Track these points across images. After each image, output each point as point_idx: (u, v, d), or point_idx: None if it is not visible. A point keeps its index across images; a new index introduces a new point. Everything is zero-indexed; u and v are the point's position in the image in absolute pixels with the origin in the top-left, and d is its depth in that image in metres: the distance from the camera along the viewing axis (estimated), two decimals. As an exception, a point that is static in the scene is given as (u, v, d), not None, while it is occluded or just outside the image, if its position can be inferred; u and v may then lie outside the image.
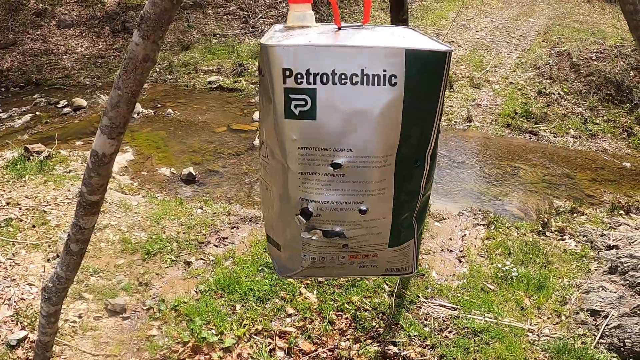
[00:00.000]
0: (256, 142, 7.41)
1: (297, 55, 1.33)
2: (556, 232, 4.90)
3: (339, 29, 1.56)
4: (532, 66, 10.75)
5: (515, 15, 15.71)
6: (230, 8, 15.57)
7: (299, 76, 1.33)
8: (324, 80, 1.33)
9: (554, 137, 7.87)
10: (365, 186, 1.46)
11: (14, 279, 3.82)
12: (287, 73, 1.33)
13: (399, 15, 3.48)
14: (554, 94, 9.25)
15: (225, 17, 15.35)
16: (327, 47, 1.33)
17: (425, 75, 1.35)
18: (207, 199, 5.57)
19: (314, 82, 1.33)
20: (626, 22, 1.67)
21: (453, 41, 12.89)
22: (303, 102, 1.36)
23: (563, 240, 4.78)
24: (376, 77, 1.31)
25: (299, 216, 1.53)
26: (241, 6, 15.61)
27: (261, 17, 15.08)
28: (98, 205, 1.69)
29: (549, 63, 10.62)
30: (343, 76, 1.32)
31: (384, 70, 1.31)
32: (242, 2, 15.75)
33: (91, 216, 1.68)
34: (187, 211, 5.09)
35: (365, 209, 1.48)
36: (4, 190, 5.21)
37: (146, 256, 4.27)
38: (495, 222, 5.02)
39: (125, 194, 5.52)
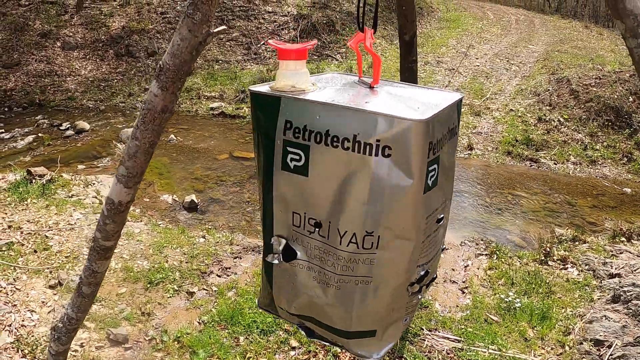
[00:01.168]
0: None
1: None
2: (558, 261, 4.91)
3: (359, 80, 1.59)
4: (532, 93, 10.82)
5: (515, 42, 15.85)
6: (233, 34, 15.66)
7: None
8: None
9: (555, 164, 7.91)
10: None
11: (14, 305, 3.81)
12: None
13: (409, 57, 3.56)
14: (554, 120, 9.32)
15: (227, 43, 15.44)
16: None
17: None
18: (210, 227, 5.58)
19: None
20: (626, 49, 1.71)
21: (453, 68, 12.99)
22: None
23: (565, 269, 4.80)
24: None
25: (415, 284, 1.50)
26: (244, 33, 15.71)
27: (264, 44, 15.16)
28: (111, 250, 1.72)
29: (549, 90, 10.69)
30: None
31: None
32: (244, 29, 15.87)
33: (104, 260, 1.70)
34: (190, 240, 5.09)
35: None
36: (6, 214, 5.21)
37: (148, 285, 4.26)
38: (498, 252, 5.03)
39: (128, 220, 5.48)
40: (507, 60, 13.74)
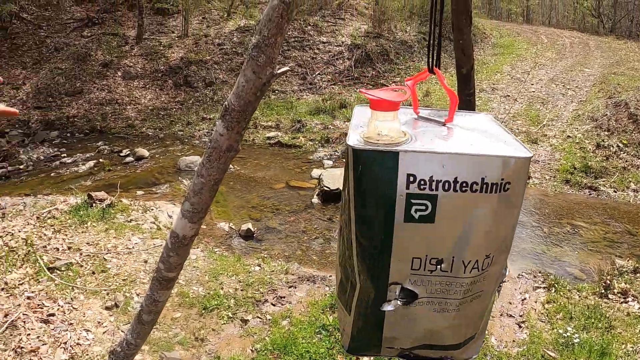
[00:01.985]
0: (315, 200, 7.50)
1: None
2: (619, 294, 4.76)
3: (418, 116, 1.64)
4: (589, 118, 10.61)
5: (570, 65, 15.59)
6: (289, 65, 15.75)
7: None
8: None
9: (614, 192, 7.70)
10: None
11: (71, 324, 3.90)
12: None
13: (466, 89, 3.59)
14: (612, 146, 9.10)
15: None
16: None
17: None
18: (265, 256, 5.63)
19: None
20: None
21: (509, 95, 12.86)
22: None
23: (626, 302, 4.65)
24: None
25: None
26: (299, 63, 15.87)
27: (319, 74, 15.31)
28: (173, 281, 1.78)
29: (607, 114, 10.47)
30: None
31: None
32: (300, 59, 16.04)
33: (166, 290, 1.77)
34: (245, 268, 5.15)
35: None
36: (66, 235, 5.37)
37: (203, 311, 4.31)
38: (556, 285, 4.91)
39: None
40: (563, 85, 13.53)
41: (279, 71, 1.43)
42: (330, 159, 9.67)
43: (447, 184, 1.34)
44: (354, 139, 1.39)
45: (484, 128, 1.62)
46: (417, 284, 1.48)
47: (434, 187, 1.34)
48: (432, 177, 1.33)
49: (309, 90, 14.62)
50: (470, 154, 1.35)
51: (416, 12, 19.33)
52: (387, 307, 1.51)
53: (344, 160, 1.47)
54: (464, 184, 1.33)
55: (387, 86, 13.73)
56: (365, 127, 1.47)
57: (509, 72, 15.06)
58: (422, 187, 1.34)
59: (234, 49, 16.76)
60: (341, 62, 15.93)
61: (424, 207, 1.36)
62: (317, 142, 10.54)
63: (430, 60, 1.62)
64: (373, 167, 1.37)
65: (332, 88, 14.68)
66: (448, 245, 1.41)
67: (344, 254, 1.58)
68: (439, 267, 1.43)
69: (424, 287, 1.48)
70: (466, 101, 3.95)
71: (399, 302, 1.49)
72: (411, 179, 1.34)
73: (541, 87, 13.49)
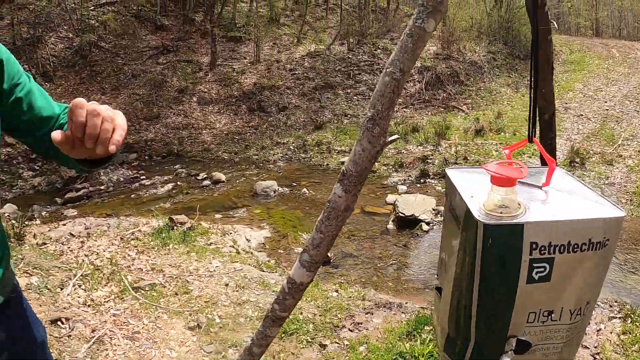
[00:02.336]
0: (390, 226, 7.59)
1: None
2: (700, 326, 4.66)
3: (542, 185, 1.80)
4: (667, 137, 10.35)
5: (644, 80, 15.11)
6: (360, 88, 15.97)
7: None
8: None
9: (696, 217, 7.51)
10: None
11: (155, 342, 4.03)
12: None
13: (549, 134, 3.73)
14: (692, 166, 8.87)
15: (355, 97, 15.72)
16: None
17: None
18: (342, 282, 5.72)
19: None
20: None
21: (582, 114, 12.64)
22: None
23: None
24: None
25: None
26: (370, 87, 15.93)
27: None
28: (284, 320, 2.01)
29: (686, 133, 10.19)
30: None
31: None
32: (370, 83, 16.10)
33: (277, 327, 2.00)
34: (323, 293, 5.22)
35: None
36: (149, 256, 5.57)
37: (283, 335, 4.38)
38: (632, 315, 4.81)
39: (263, 271, 5.71)
40: (637, 102, 13.17)
41: (389, 139, 1.63)
42: (404, 184, 9.66)
43: (562, 247, 1.54)
44: (478, 213, 1.56)
45: (570, 187, 1.80)
46: (530, 334, 1.67)
47: (551, 251, 1.54)
48: (550, 242, 1.53)
49: (380, 113, 14.69)
50: (580, 219, 1.55)
51: (484, 32, 19.24)
52: (505, 359, 1.68)
53: (458, 224, 1.68)
54: (575, 246, 1.53)
55: (458, 108, 13.54)
56: (477, 196, 1.64)
57: (580, 89, 14.79)
58: (542, 252, 1.54)
59: (305, 74, 16.99)
60: (411, 84, 15.96)
61: (542, 269, 1.56)
62: (390, 167, 10.61)
63: (530, 131, 1.84)
64: (501, 239, 1.55)
65: (404, 111, 14.72)
66: (559, 298, 1.61)
67: (457, 313, 1.75)
68: (549, 317, 1.63)
69: (535, 336, 1.67)
70: (548, 145, 4.05)
71: (512, 354, 1.66)
72: (534, 246, 1.53)
73: (614, 104, 13.20)
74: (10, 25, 16.55)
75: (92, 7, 20.32)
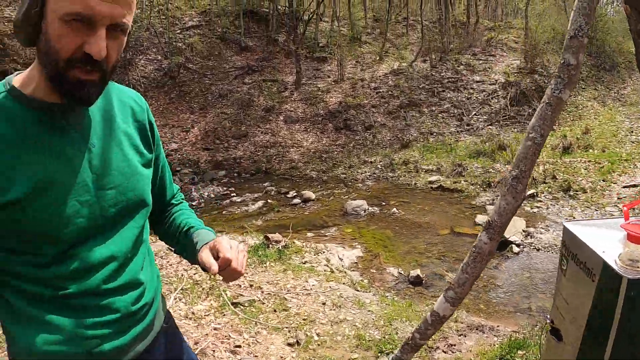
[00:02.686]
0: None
1: None
2: None
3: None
4: None
5: None
6: (445, 106, 15.90)
7: None
8: None
9: None
10: None
11: (256, 356, 4.11)
12: None
13: None
14: None
15: (440, 115, 15.65)
16: None
17: None
18: (435, 303, 5.64)
19: None
20: None
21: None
22: None
23: None
24: None
25: None
26: (454, 104, 15.87)
27: (475, 115, 15.19)
28: (421, 347, 2.07)
29: None
30: None
31: None
32: (455, 100, 16.02)
33: (413, 354, 2.08)
34: (417, 314, 5.21)
35: None
36: (247, 273, 5.68)
37: (379, 354, 4.38)
38: None
39: (358, 290, 5.74)
40: None
41: (527, 194, 1.78)
42: (493, 204, 9.32)
43: None
44: (617, 268, 1.68)
45: None
46: None
47: None
48: None
49: (467, 131, 14.56)
50: None
51: (567, 43, 18.68)
52: None
53: (590, 276, 1.80)
54: None
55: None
56: (607, 251, 1.76)
57: None
58: None
59: (389, 92, 17.04)
60: (496, 101, 15.79)
61: None
62: (478, 187, 10.52)
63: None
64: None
65: (489, 129, 14.53)
66: None
67: None
68: None
69: None
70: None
71: None
72: None
73: None
74: (104, 50, 17.52)
75: (178, 31, 21.22)
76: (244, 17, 23.22)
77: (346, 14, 25.08)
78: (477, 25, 21.40)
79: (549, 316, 2.10)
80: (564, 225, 1.94)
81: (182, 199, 1.68)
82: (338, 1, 24.20)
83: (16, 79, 1.17)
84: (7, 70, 17.43)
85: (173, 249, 1.59)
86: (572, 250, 1.88)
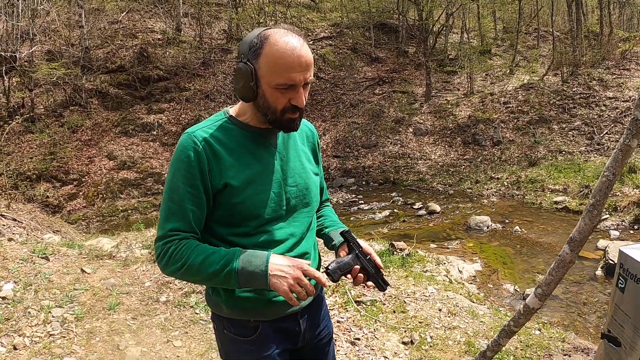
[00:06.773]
0: (599, 272, 7.40)
1: None
2: None
3: None
4: None
5: None
6: (575, 123, 15.48)
7: None
8: None
9: None
10: None
11: (372, 349, 4.44)
12: None
13: None
14: None
15: (570, 132, 15.27)
16: None
17: None
18: (545, 322, 5.82)
19: None
20: None
21: None
22: None
23: None
24: None
25: None
26: (585, 121, 15.39)
27: (607, 133, 14.63)
28: (514, 334, 2.64)
29: None
30: None
31: None
32: (586, 117, 15.53)
33: (508, 339, 2.68)
34: (526, 330, 5.30)
35: None
36: None
37: None
38: None
39: (473, 302, 5.95)
40: None
41: (602, 218, 2.31)
42: (617, 229, 9.18)
43: None
44: None
45: None
46: None
47: None
48: None
49: (597, 151, 14.10)
50: None
51: None
52: None
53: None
54: None
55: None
56: None
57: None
58: None
59: (519, 108, 16.81)
60: (629, 119, 14.82)
61: None
62: (604, 210, 9.94)
63: None
64: None
65: (622, 150, 13.84)
66: None
67: None
68: None
69: None
70: None
71: None
72: None
73: None
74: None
75: (311, 42, 21.96)
76: (374, 29, 23.75)
77: (475, 25, 24.92)
78: (610, 36, 20.40)
79: (605, 327, 2.47)
80: (620, 250, 2.29)
81: (329, 201, 2.25)
82: (467, 12, 24.03)
83: (231, 110, 1.78)
84: (151, 76, 19.35)
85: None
86: (631, 272, 2.21)
